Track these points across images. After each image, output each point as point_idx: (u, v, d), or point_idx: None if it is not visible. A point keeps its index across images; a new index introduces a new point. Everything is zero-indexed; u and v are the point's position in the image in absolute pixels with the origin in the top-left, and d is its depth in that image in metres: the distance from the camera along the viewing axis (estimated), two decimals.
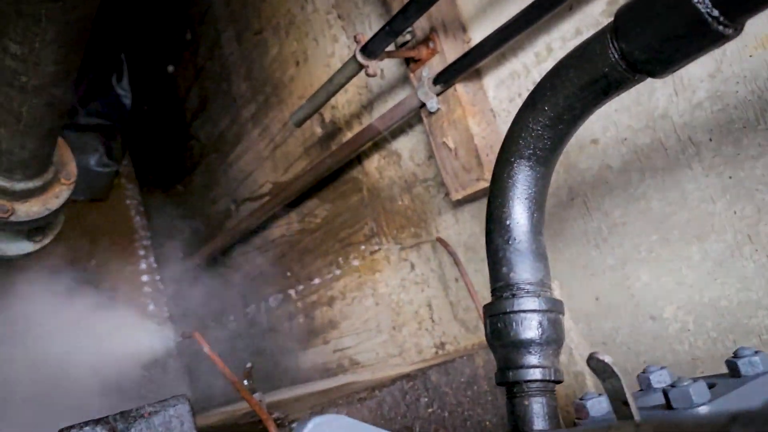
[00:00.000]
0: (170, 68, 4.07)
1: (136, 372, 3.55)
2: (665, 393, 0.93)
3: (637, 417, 0.71)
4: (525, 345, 0.89)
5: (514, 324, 0.89)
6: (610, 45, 0.81)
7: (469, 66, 1.91)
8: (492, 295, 0.96)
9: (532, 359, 0.88)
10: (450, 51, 2.01)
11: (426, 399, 1.86)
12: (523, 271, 0.92)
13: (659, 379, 1.14)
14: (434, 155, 2.15)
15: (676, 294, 1.65)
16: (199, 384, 4.24)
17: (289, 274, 3.19)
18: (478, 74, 2.04)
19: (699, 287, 1.59)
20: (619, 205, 1.73)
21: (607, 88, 0.85)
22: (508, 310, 0.90)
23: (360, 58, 1.94)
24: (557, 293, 1.96)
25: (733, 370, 1.04)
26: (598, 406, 1.05)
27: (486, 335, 0.95)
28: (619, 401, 0.72)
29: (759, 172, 1.44)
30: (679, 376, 1.16)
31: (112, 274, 4.47)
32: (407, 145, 2.38)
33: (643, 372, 1.17)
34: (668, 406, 0.93)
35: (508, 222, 0.94)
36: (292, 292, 3.21)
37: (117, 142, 4.59)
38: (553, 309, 0.90)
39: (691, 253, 1.60)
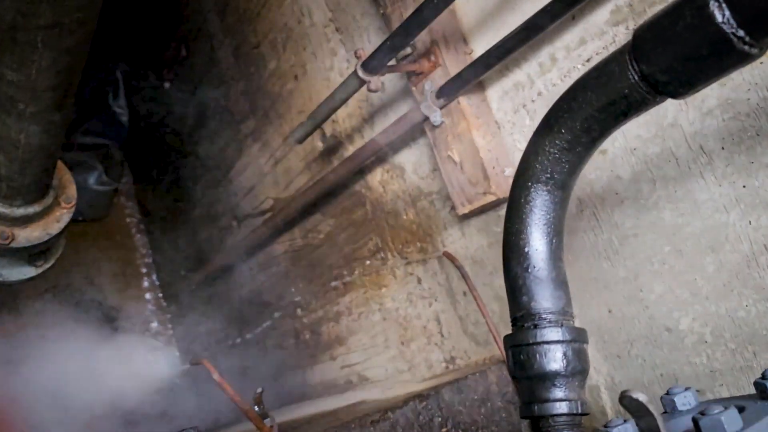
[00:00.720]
0: (166, 85, 4.04)
1: (141, 395, 3.52)
2: (696, 422, 0.90)
3: None
4: (550, 377, 0.86)
5: (537, 356, 0.86)
6: (630, 66, 0.78)
7: (472, 79, 1.89)
8: (513, 325, 0.93)
9: (558, 392, 0.85)
10: (452, 64, 1.99)
11: (440, 419, 1.83)
12: (543, 299, 0.90)
13: (684, 401, 1.10)
14: (439, 168, 2.12)
15: (692, 305, 1.62)
16: (208, 402, 4.20)
17: (293, 290, 3.16)
18: (481, 86, 2.01)
19: (715, 298, 1.56)
20: (630, 216, 1.71)
21: (627, 109, 0.82)
22: (531, 341, 0.87)
23: (361, 73, 1.91)
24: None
25: (763, 392, 1.01)
26: None
27: (508, 367, 0.92)
28: None
29: None
30: (702, 396, 1.13)
31: (114, 294, 4.44)
32: (410, 158, 2.35)
33: (667, 394, 1.14)
34: None
35: (526, 249, 0.92)
36: (297, 308, 3.18)
37: (115, 160, 4.57)
38: (577, 339, 0.88)
39: (706, 264, 1.57)
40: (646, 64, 0.77)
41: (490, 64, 1.82)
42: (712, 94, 1.48)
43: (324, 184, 2.60)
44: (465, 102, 1.97)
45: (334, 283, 2.88)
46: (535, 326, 0.88)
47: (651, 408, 0.70)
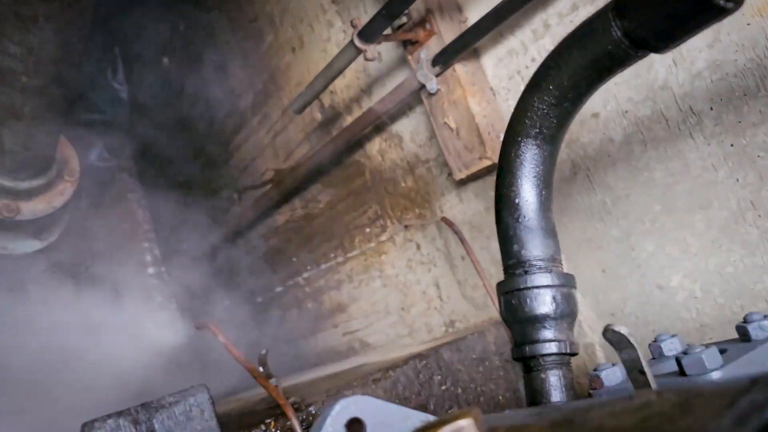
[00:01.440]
0: (165, 60, 4.06)
1: (146, 364, 3.59)
2: (678, 360, 0.96)
3: (653, 385, 0.74)
4: (540, 320, 0.91)
5: (528, 300, 0.91)
6: (612, 23, 0.82)
7: (466, 46, 1.92)
8: (504, 273, 0.98)
9: (548, 333, 0.91)
10: (447, 32, 2.02)
11: (439, 377, 1.89)
12: (533, 247, 0.94)
13: (671, 347, 1.16)
14: (435, 136, 2.16)
15: (682, 262, 1.67)
16: (213, 372, 4.28)
17: (295, 259, 3.21)
18: (476, 53, 2.04)
19: (704, 255, 1.62)
20: (622, 177, 1.75)
21: (611, 65, 0.86)
22: (521, 287, 0.92)
23: (358, 42, 1.94)
24: (564, 267, 1.98)
25: (744, 335, 1.06)
26: (612, 376, 1.07)
27: (500, 312, 0.97)
28: (636, 371, 0.74)
29: (760, 139, 1.45)
30: (689, 343, 1.19)
31: (118, 268, 4.49)
32: (408, 126, 2.39)
33: (655, 341, 1.20)
34: (681, 373, 0.96)
35: (517, 200, 0.96)
36: (299, 278, 3.23)
37: (116, 136, 4.59)
38: (566, 283, 0.93)
39: (695, 221, 1.61)
40: (628, 21, 0.81)
41: (484, 32, 1.85)
42: (700, 56, 1.52)
43: (323, 155, 2.64)
44: (460, 69, 2.00)
45: (334, 252, 2.93)
46: (526, 272, 0.93)
47: (632, 340, 0.75)
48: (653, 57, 1.61)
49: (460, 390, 1.91)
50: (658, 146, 1.65)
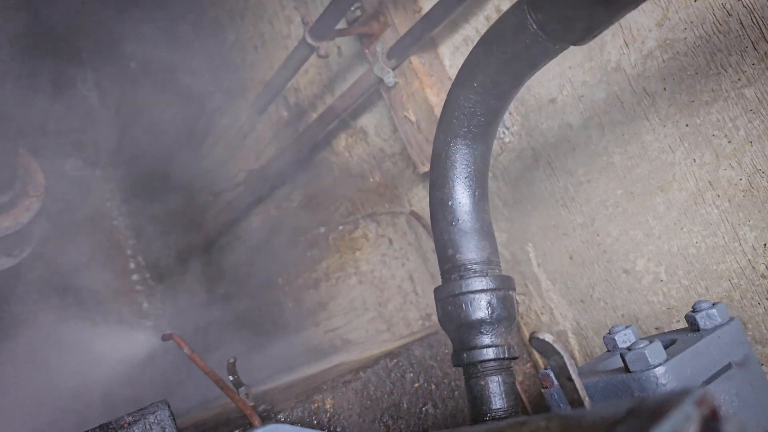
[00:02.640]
0: (132, 65, 4.00)
1: (131, 375, 3.56)
2: (622, 357, 0.94)
3: (582, 392, 0.71)
4: (476, 325, 0.88)
5: (463, 305, 0.89)
6: (528, 17, 0.79)
7: (421, 36, 1.88)
8: (441, 278, 0.95)
9: (485, 339, 0.88)
10: (401, 23, 1.98)
11: (411, 374, 1.87)
12: (468, 251, 0.92)
13: (624, 339, 1.14)
14: (398, 130, 2.13)
15: (646, 246, 1.65)
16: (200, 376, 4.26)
17: (273, 260, 3.18)
18: (432, 43, 2.01)
19: (667, 237, 1.59)
20: (583, 162, 1.72)
21: (531, 59, 0.83)
22: (456, 292, 0.90)
23: (309, 39, 1.91)
24: (531, 255, 1.96)
25: (693, 324, 1.04)
26: None
27: (438, 318, 0.94)
28: (564, 378, 0.72)
29: (714, 118, 1.43)
30: (639, 337, 1.17)
31: (100, 278, 4.45)
32: (372, 121, 2.36)
33: (609, 333, 1.17)
34: (627, 369, 0.93)
35: (450, 203, 0.93)
36: (278, 278, 3.21)
37: (89, 143, 4.54)
38: (502, 286, 0.90)
39: (656, 204, 1.59)
40: (542, 14, 0.78)
41: (438, 21, 1.82)
42: (650, 35, 1.49)
43: (291, 153, 2.60)
44: (417, 61, 1.97)
45: (310, 251, 2.91)
46: (461, 277, 0.91)
47: (558, 347, 0.72)
48: (604, 38, 1.58)
49: (433, 386, 1.89)
50: (615, 129, 1.62)
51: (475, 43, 1.89)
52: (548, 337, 0.73)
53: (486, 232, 0.94)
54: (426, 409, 1.85)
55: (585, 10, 0.74)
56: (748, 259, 1.45)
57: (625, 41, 1.54)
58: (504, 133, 1.90)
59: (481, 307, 0.88)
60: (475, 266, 0.91)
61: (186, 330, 3.83)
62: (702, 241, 1.53)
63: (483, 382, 0.87)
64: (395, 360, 1.86)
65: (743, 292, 1.48)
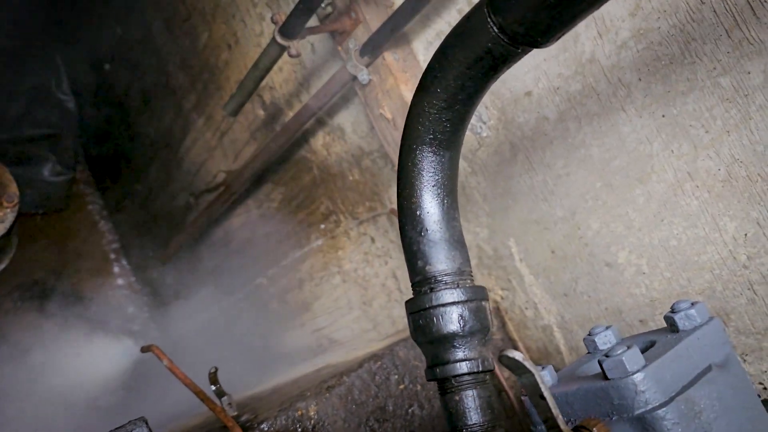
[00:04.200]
0: (107, 66, 3.93)
1: (122, 381, 3.53)
2: (600, 363, 0.92)
3: (555, 410, 0.69)
4: (449, 339, 0.86)
5: (435, 319, 0.86)
6: (489, 20, 0.76)
7: (392, 32, 1.84)
8: (412, 291, 0.92)
9: (458, 353, 0.85)
10: (373, 19, 1.94)
11: (396, 376, 1.85)
12: (438, 262, 0.89)
13: (604, 341, 1.12)
14: (375, 127, 2.09)
15: (627, 238, 1.63)
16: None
17: (256, 261, 3.15)
18: (406, 39, 1.97)
19: (648, 229, 1.57)
20: (561, 155, 1.70)
21: (494, 63, 0.80)
22: (427, 306, 0.87)
23: (279, 39, 1.86)
24: (514, 250, 1.94)
25: (672, 325, 1.02)
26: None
27: (411, 333, 0.91)
28: (536, 396, 0.69)
29: (690, 108, 1.40)
30: (620, 338, 1.14)
31: (85, 283, 4.40)
32: (349, 118, 2.32)
33: (589, 334, 1.15)
34: (605, 376, 0.91)
35: (418, 213, 0.90)
36: (262, 279, 3.18)
37: (68, 148, 4.47)
38: (474, 298, 0.87)
39: (636, 196, 1.57)
40: (502, 17, 0.74)
41: (409, 16, 1.78)
42: (624, 25, 1.46)
43: (269, 153, 2.56)
44: (390, 57, 1.93)
45: (292, 251, 2.87)
46: (431, 290, 0.88)
47: (528, 365, 0.70)
48: (578, 29, 1.55)
49: (419, 387, 1.87)
50: (592, 122, 1.60)
51: None
52: (518, 356, 0.70)
53: (456, 241, 0.91)
54: (412, 411, 1.83)
55: (546, 12, 0.71)
56: (729, 250, 1.44)
57: (598, 32, 1.51)
58: (481, 127, 1.87)
59: (452, 320, 0.85)
60: (446, 278, 0.88)
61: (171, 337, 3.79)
62: (683, 232, 1.51)
63: (458, 397, 0.85)
64: (379, 362, 1.83)
65: (725, 282, 1.46)
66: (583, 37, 1.55)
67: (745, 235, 1.40)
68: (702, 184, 1.44)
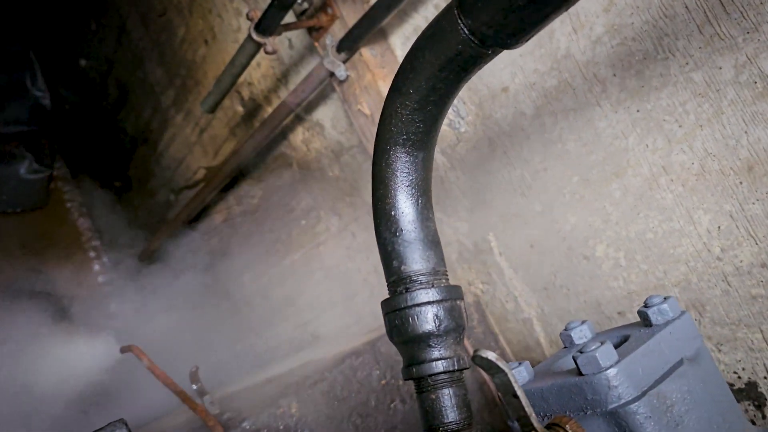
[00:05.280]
0: (83, 62, 3.88)
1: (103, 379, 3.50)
2: (575, 359, 0.93)
3: (528, 408, 0.70)
4: (424, 339, 0.86)
5: (410, 319, 0.87)
6: (459, 22, 0.76)
7: (369, 28, 1.84)
8: (388, 291, 0.93)
9: (434, 352, 0.86)
10: (350, 15, 1.93)
11: (378, 372, 1.85)
12: (413, 262, 0.89)
13: (580, 336, 1.13)
14: (354, 123, 2.09)
15: (604, 232, 1.64)
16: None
17: (237, 257, 3.14)
18: (383, 34, 1.97)
19: (624, 223, 1.59)
20: (538, 151, 1.71)
21: (465, 65, 0.80)
22: (402, 306, 0.87)
23: (255, 36, 1.85)
24: (493, 244, 1.95)
25: (645, 319, 1.04)
26: (519, 376, 1.04)
27: (387, 332, 0.92)
28: (509, 395, 0.70)
29: (664, 103, 1.42)
30: (595, 333, 1.16)
31: (66, 281, 4.36)
32: (328, 114, 2.32)
33: (565, 329, 1.17)
34: (579, 372, 0.92)
35: (393, 213, 0.91)
36: (245, 275, 3.17)
37: (44, 146, 4.42)
38: (449, 297, 0.88)
39: (612, 190, 1.58)
40: (472, 19, 0.74)
41: (385, 11, 1.77)
42: (598, 21, 1.47)
43: (248, 149, 2.55)
44: (368, 53, 1.93)
45: (274, 247, 2.87)
46: (407, 290, 0.88)
47: (501, 365, 0.71)
48: (553, 25, 1.56)
49: (401, 382, 1.87)
50: (568, 117, 1.61)
51: None
52: (491, 355, 0.71)
53: (431, 241, 0.91)
54: (394, 405, 1.84)
55: (515, 15, 0.71)
56: (704, 242, 1.46)
57: (573, 28, 1.52)
58: (459, 122, 1.88)
59: (428, 320, 0.86)
60: (421, 278, 0.89)
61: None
62: (658, 225, 1.53)
63: (434, 396, 0.86)
64: (361, 358, 1.84)
65: (700, 274, 1.48)
66: (558, 32, 1.55)
67: (719, 227, 1.42)
68: (676, 177, 1.45)
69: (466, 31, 0.76)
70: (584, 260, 1.72)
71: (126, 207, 4.14)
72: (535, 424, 0.71)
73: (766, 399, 1.46)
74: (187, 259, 3.59)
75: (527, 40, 0.77)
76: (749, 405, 1.49)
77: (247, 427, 1.62)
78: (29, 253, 4.29)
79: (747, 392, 1.49)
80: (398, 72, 0.88)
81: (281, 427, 1.67)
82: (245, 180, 2.88)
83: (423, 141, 0.90)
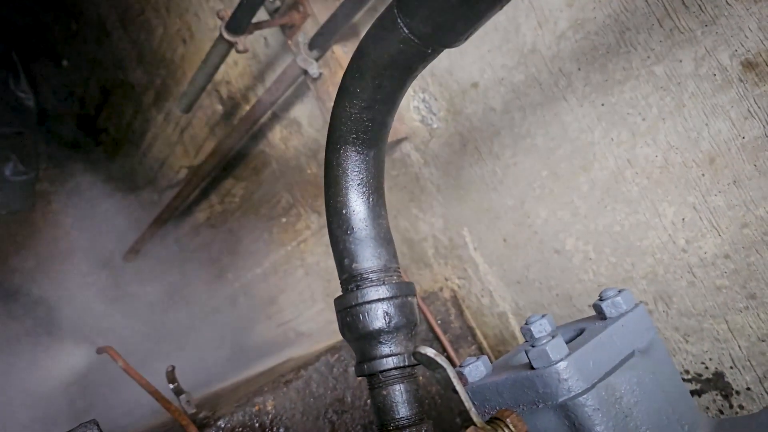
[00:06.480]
0: (65, 62, 3.87)
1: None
2: (527, 353, 0.94)
3: (468, 403, 0.71)
4: (375, 335, 0.87)
5: (361, 316, 0.87)
6: (399, 21, 0.77)
7: (341, 25, 1.84)
8: (341, 288, 0.94)
9: (384, 349, 0.87)
10: (321, 12, 1.94)
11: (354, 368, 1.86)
12: (364, 260, 0.90)
13: (540, 329, 1.14)
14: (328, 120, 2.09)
15: (573, 225, 1.65)
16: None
17: (221, 256, 3.14)
18: (355, 32, 1.97)
19: (592, 216, 1.60)
20: (508, 145, 1.72)
21: (408, 63, 0.81)
22: (353, 303, 0.88)
23: (226, 35, 1.85)
24: (468, 239, 1.96)
25: (600, 312, 1.05)
26: (476, 371, 1.05)
27: (339, 330, 0.93)
28: (450, 391, 0.71)
29: (627, 96, 1.43)
30: (555, 326, 1.17)
31: (51, 283, 4.35)
32: (304, 112, 2.32)
33: (526, 323, 1.17)
34: (531, 366, 0.93)
35: (344, 211, 0.91)
36: (228, 274, 3.17)
37: (29, 147, 4.40)
38: (399, 294, 0.89)
39: (580, 184, 1.59)
40: (410, 18, 0.75)
41: (356, 8, 1.78)
42: (562, 16, 1.48)
43: (227, 148, 2.55)
44: (340, 50, 1.93)
45: (255, 245, 2.87)
46: (357, 287, 0.89)
47: (440, 360, 0.71)
48: (518, 20, 1.56)
49: None
50: (536, 111, 1.61)
51: None
52: (430, 352, 0.72)
53: (383, 238, 0.92)
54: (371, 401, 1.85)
55: (450, 13, 0.72)
56: (669, 235, 1.47)
57: (538, 22, 1.53)
58: (432, 119, 1.89)
59: (378, 317, 0.87)
60: (371, 275, 0.89)
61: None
62: (625, 218, 1.54)
63: (386, 392, 0.86)
64: (337, 354, 1.85)
65: (666, 266, 1.50)
66: (524, 27, 1.56)
67: (683, 219, 1.43)
68: (641, 170, 1.46)
69: (406, 30, 0.76)
70: (555, 254, 1.73)
71: (112, 207, 4.13)
72: (475, 418, 0.72)
73: (732, 389, 1.48)
74: (170, 258, 3.59)
75: (466, 39, 0.78)
76: (717, 395, 1.51)
77: (222, 425, 1.63)
78: (14, 254, 4.27)
79: (714, 382, 1.51)
80: (346, 71, 0.88)
81: (257, 425, 1.68)
82: (227, 179, 2.88)
83: (373, 139, 0.90)
